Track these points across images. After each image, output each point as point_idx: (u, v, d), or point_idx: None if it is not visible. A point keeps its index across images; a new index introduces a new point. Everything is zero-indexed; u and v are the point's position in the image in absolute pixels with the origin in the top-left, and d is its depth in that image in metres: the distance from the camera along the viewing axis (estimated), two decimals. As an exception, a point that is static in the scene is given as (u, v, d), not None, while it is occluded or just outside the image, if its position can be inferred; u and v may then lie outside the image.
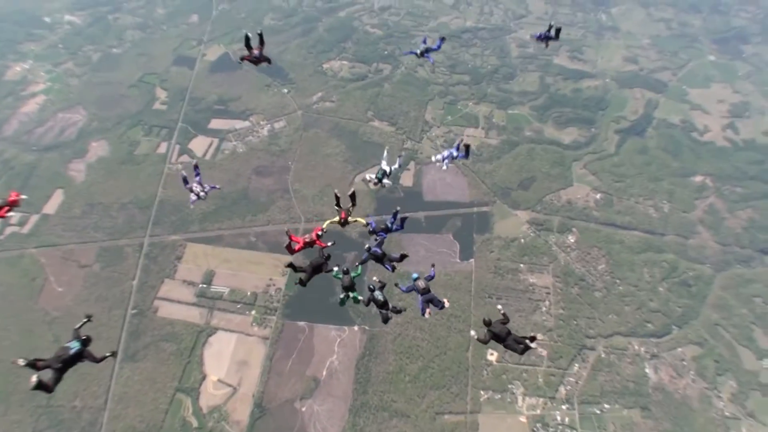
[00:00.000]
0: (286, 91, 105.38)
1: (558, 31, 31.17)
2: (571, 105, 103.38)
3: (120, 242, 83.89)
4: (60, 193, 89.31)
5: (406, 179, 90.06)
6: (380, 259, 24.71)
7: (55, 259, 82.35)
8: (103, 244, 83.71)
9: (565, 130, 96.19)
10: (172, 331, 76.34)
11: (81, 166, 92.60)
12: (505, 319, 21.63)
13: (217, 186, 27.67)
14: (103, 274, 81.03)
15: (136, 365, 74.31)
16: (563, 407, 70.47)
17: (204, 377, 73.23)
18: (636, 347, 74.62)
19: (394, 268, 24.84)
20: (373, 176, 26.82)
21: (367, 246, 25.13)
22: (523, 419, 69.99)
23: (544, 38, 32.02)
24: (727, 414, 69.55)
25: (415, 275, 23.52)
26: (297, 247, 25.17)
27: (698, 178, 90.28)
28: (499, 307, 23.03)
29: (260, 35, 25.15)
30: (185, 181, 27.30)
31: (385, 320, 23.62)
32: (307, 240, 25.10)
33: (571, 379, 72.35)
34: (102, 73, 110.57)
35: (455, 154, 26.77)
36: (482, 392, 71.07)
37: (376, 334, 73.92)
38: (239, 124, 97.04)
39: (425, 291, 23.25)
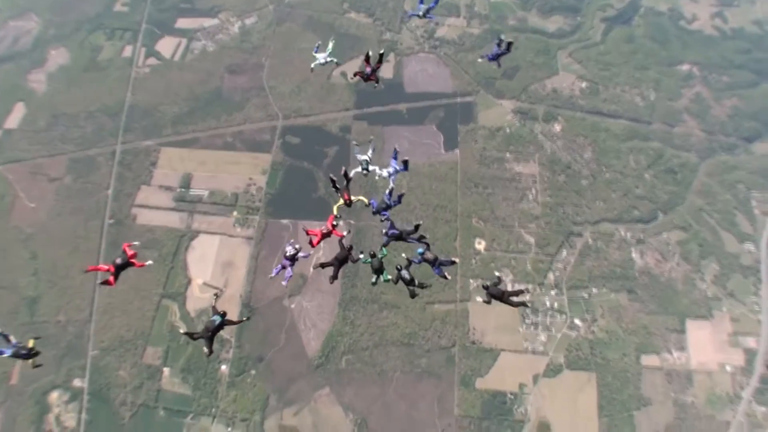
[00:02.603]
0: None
1: (509, 44, 28.22)
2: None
3: (90, 152, 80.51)
4: (21, 106, 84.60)
5: (387, 71, 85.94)
6: (400, 237, 25.77)
7: (23, 175, 79.26)
8: (73, 155, 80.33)
9: (549, 18, 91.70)
10: (152, 237, 74.77)
11: (41, 77, 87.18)
12: (498, 281, 25.18)
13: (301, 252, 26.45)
14: (75, 186, 78.38)
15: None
16: (552, 293, 71.21)
17: (189, 281, 72.63)
18: (622, 233, 74.78)
19: (420, 238, 25.94)
20: (359, 170, 26.93)
21: (384, 231, 26.09)
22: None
23: (496, 57, 29.05)
24: (709, 295, 70.90)
25: (419, 250, 25.19)
26: (315, 240, 25.68)
27: (685, 67, 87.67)
28: (497, 273, 27.02)
29: (381, 55, 26.86)
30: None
31: (413, 296, 25.19)
32: (324, 231, 25.68)
33: (559, 265, 72.77)
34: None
35: (398, 168, 26.97)
36: (471, 281, 71.21)
37: (362, 228, 72.67)
38: (208, 22, 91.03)
39: (434, 260, 24.82)
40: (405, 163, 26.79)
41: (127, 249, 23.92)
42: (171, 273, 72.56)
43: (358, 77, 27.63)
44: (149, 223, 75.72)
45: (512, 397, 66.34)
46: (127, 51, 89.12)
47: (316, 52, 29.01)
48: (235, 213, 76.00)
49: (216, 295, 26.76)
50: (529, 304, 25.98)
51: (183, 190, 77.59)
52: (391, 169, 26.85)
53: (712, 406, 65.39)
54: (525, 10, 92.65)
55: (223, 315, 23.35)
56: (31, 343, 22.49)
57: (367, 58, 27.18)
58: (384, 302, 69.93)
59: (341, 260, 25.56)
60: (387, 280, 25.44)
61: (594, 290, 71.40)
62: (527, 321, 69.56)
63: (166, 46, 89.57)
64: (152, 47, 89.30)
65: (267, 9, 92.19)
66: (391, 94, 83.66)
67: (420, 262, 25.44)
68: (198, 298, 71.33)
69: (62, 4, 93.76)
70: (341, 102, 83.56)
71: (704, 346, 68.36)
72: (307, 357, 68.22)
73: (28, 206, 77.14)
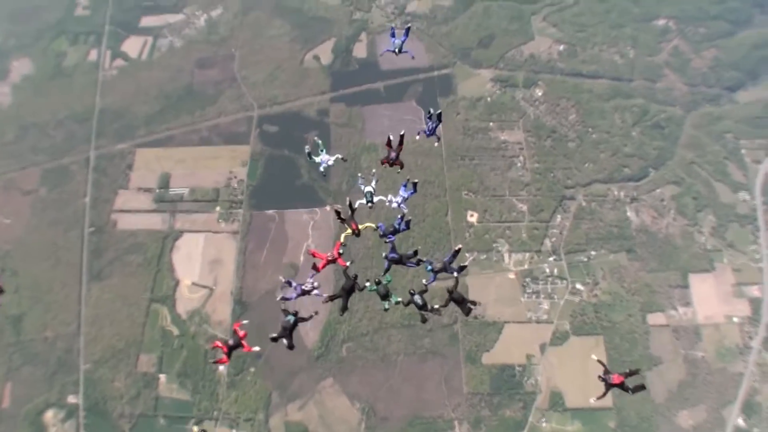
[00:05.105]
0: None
1: (440, 114, 26.49)
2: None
3: (63, 161, 78.22)
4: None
5: (360, 51, 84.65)
6: (399, 261, 25.49)
7: (-5, 192, 76.66)
8: (46, 166, 77.99)
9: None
10: (135, 241, 73.02)
11: (5, 89, 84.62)
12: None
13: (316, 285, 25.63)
14: (51, 197, 76.18)
15: (104, 283, 71.26)
16: (550, 259, 70.21)
17: (177, 283, 70.90)
18: (615, 192, 73.80)
19: (418, 263, 25.61)
20: (364, 202, 26.06)
21: (384, 255, 25.73)
22: (512, 276, 69.43)
23: (434, 131, 26.70)
24: (709, 247, 70.27)
25: (428, 266, 25.00)
26: (321, 264, 25.40)
27: (661, 22, 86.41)
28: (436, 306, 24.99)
29: (401, 136, 25.62)
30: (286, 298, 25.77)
31: (424, 320, 25.33)
32: (329, 258, 25.26)
33: (554, 230, 71.78)
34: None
35: (406, 195, 26.43)
36: (467, 254, 69.22)
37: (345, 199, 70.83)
38: (173, 18, 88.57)
39: (443, 268, 24.83)
40: (414, 185, 26.35)
41: (237, 330, 23.76)
42: (158, 276, 70.67)
43: (384, 164, 26.42)
44: (130, 228, 73.73)
45: (521, 369, 65.29)
46: (93, 55, 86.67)
47: (310, 157, 27.29)
48: (218, 208, 74.14)
49: (291, 297, 25.41)
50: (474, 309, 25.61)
51: (162, 190, 75.58)
52: (399, 198, 26.31)
53: (723, 359, 64.68)
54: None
55: (296, 314, 24.04)
56: (195, 430, 25.37)
57: (389, 143, 26.13)
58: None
59: (348, 290, 25.18)
60: (398, 303, 25.10)
61: (593, 253, 70.38)
62: (528, 290, 68.51)
63: (132, 46, 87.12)
64: (118, 48, 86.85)
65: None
66: (367, 74, 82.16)
67: (435, 279, 25.22)
68: (188, 299, 69.46)
69: (21, 12, 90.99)
70: (316, 86, 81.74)
71: (709, 299, 67.64)
72: (307, 348, 66.29)
73: (3, 223, 74.81)
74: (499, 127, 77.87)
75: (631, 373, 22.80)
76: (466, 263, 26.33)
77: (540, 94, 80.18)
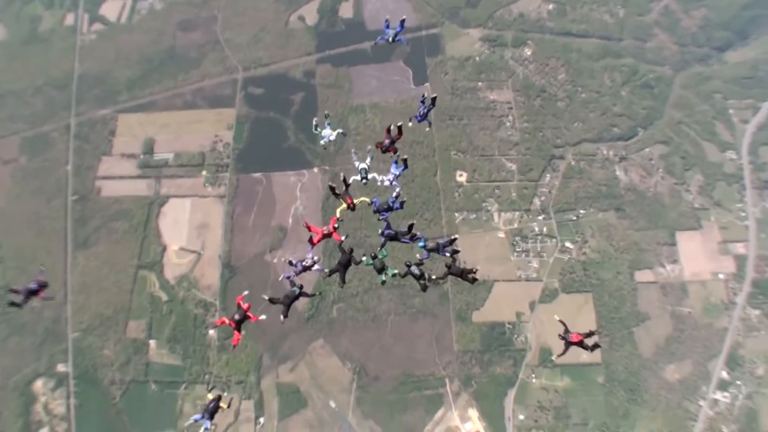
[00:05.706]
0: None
1: (434, 99, 26.78)
2: None
3: (43, 128, 76.41)
4: (-39, 91, 79.40)
5: (346, 11, 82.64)
6: (395, 237, 25.88)
7: (-28, 163, 74.99)
8: (25, 135, 76.24)
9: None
10: (120, 208, 72.05)
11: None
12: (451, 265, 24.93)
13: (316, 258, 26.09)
14: (31, 166, 74.68)
15: (89, 251, 70.42)
16: (540, 218, 70.43)
17: (164, 248, 70.32)
18: (604, 152, 73.72)
19: (412, 238, 25.75)
20: (358, 178, 26.30)
21: (380, 231, 26.06)
22: (501, 234, 69.54)
23: (425, 116, 26.89)
24: (696, 205, 70.88)
25: (420, 244, 25.17)
26: (316, 239, 25.79)
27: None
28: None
29: (399, 127, 26.03)
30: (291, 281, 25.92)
31: (424, 289, 25.61)
32: (325, 232, 25.69)
33: (544, 189, 71.80)
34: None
35: (398, 173, 26.47)
36: (456, 214, 70.17)
37: (338, 173, 70.16)
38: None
39: (435, 248, 25.11)
40: (405, 162, 26.48)
41: (241, 303, 23.84)
42: (144, 242, 69.98)
43: (378, 148, 26.72)
44: (115, 194, 72.62)
45: (510, 326, 65.86)
46: (69, 19, 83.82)
47: (316, 130, 27.42)
48: (204, 172, 73.13)
49: (294, 274, 25.69)
50: (478, 277, 25.77)
51: (147, 155, 74.26)
52: (391, 176, 26.40)
53: (709, 314, 65.81)
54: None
55: (301, 287, 24.59)
56: (210, 396, 24.03)
57: (389, 130, 26.39)
58: (369, 245, 67.59)
59: (345, 264, 25.67)
60: (394, 275, 25.51)
61: (582, 211, 70.67)
62: (518, 249, 68.71)
63: (111, 8, 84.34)
64: (96, 12, 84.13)
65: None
66: (353, 34, 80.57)
67: (428, 256, 25.39)
68: (176, 265, 68.90)
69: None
70: (302, 47, 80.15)
71: (696, 256, 68.50)
72: (297, 310, 65.82)
73: (-17, 193, 73.14)
74: (488, 87, 77.05)
75: (590, 334, 23.92)
76: (459, 248, 26.28)
77: (529, 53, 79.30)
